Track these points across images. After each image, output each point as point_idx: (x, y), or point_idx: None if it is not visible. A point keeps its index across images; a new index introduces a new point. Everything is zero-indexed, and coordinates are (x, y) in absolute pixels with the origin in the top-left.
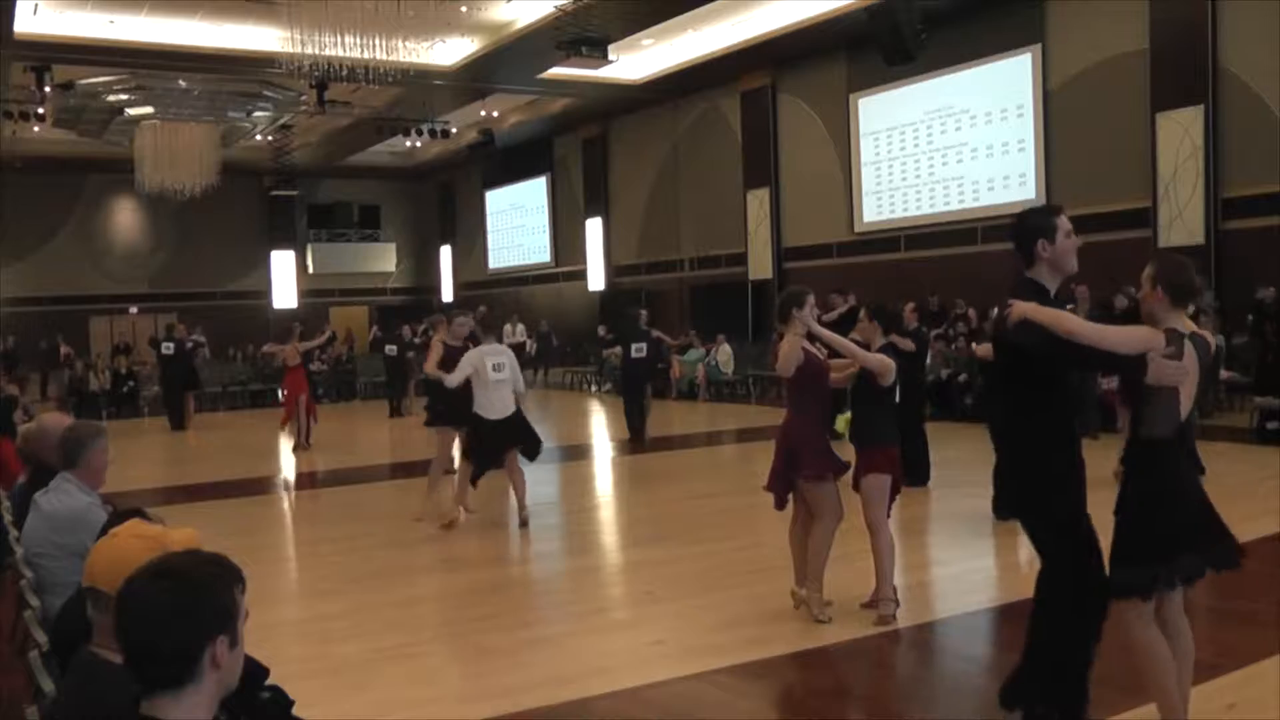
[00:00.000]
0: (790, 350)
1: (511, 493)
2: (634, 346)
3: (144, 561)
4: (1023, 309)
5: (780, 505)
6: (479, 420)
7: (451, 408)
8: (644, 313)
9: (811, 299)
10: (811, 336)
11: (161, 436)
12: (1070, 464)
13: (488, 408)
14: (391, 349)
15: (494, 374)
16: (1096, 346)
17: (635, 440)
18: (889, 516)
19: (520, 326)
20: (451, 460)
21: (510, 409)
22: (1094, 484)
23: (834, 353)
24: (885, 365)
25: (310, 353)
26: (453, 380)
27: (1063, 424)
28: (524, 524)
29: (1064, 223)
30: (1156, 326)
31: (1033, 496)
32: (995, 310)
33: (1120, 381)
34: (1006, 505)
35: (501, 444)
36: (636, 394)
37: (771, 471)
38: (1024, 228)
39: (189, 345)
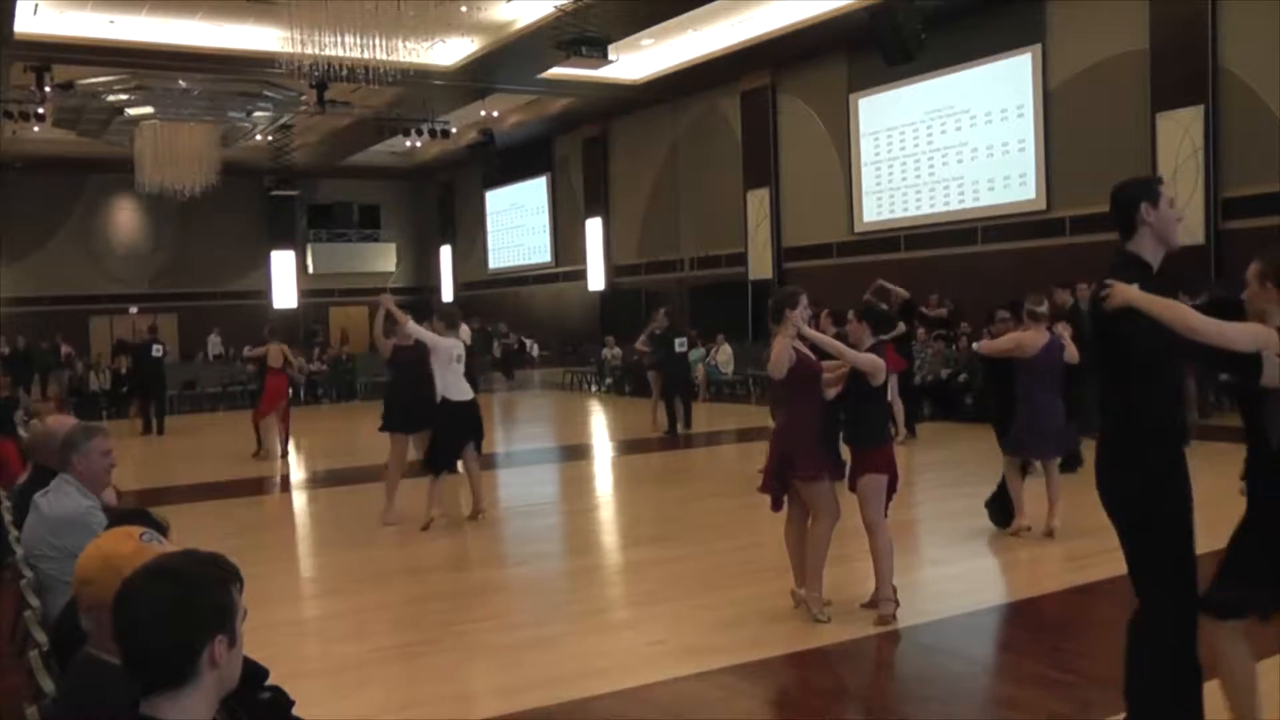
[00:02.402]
0: (781, 351)
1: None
2: (677, 341)
3: (95, 572)
4: (1127, 294)
5: (777, 506)
6: (444, 402)
7: (406, 413)
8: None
9: (804, 299)
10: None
11: (164, 437)
12: (1172, 464)
13: (451, 390)
14: None
15: (457, 364)
16: (1217, 345)
17: (673, 434)
18: (886, 516)
19: (464, 328)
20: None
21: (469, 394)
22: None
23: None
24: (875, 365)
25: (288, 360)
26: (412, 328)
27: (1165, 420)
28: (475, 516)
29: (1167, 190)
30: (1267, 324)
31: (1129, 498)
32: (1069, 293)
33: (1236, 388)
34: (1106, 502)
35: (462, 432)
36: (686, 389)
37: (765, 472)
38: (1122, 195)
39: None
